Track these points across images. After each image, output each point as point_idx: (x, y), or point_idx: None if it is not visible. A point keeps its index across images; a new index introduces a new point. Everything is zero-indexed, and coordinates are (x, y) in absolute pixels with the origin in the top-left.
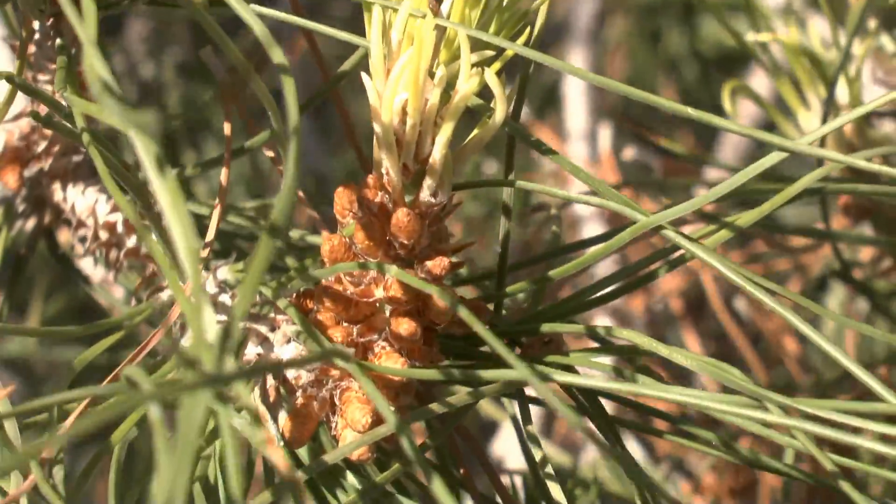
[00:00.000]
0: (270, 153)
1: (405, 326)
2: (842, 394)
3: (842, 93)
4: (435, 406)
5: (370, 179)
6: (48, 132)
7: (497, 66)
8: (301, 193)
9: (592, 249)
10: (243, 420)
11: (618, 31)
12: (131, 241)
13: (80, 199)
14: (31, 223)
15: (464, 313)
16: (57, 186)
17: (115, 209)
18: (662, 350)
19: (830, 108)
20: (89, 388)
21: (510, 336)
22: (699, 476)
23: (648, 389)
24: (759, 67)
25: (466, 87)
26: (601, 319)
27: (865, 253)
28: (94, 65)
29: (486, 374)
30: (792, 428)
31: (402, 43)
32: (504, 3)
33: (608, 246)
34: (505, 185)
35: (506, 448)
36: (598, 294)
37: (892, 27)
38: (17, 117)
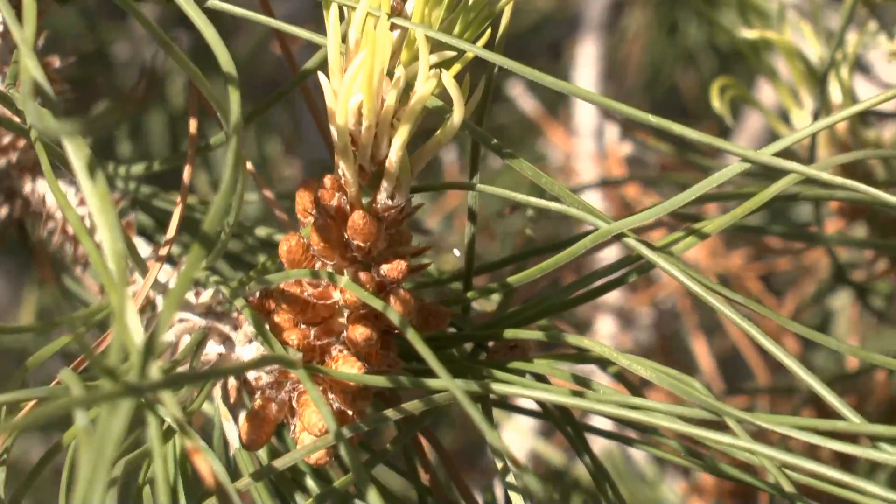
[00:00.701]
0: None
1: (360, 332)
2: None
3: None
4: (390, 412)
5: (327, 180)
6: None
7: (457, 67)
8: (269, 193)
9: (559, 255)
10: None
11: (636, 22)
12: (98, 237)
13: (48, 192)
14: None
15: (411, 334)
16: (27, 178)
17: (81, 203)
18: (622, 360)
19: (822, 107)
20: (30, 391)
21: (476, 340)
22: (698, 476)
23: (587, 402)
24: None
25: (423, 88)
26: (604, 319)
27: (870, 253)
28: (27, 66)
29: (430, 382)
30: (736, 448)
31: (360, 42)
32: (469, 3)
33: (570, 252)
34: (465, 188)
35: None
36: (567, 298)
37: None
38: None
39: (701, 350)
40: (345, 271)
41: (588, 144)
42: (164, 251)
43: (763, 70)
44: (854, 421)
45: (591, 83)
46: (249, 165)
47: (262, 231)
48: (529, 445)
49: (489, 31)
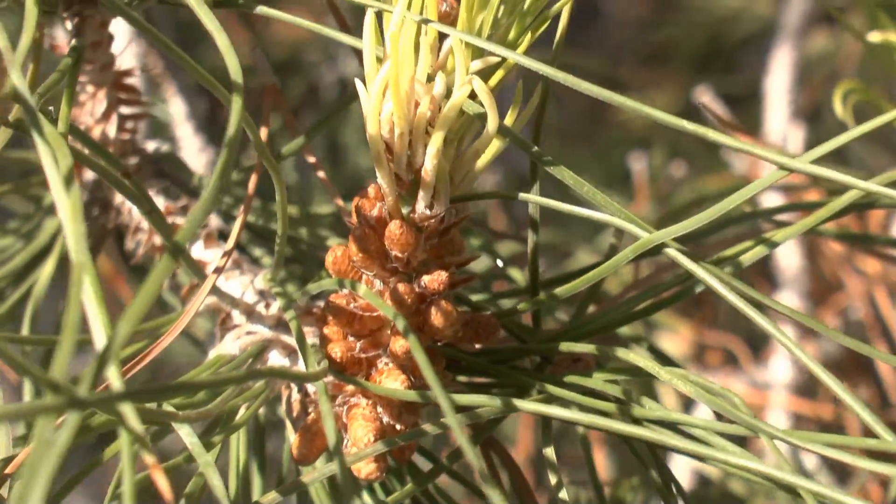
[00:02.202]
0: (312, 158)
1: (400, 344)
2: None
3: None
4: (428, 427)
5: (370, 190)
6: (98, 135)
7: (500, 74)
8: (340, 202)
9: (601, 266)
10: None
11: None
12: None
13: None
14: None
15: (418, 356)
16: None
17: (168, 213)
18: (664, 375)
19: None
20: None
21: (535, 353)
22: None
23: (616, 423)
24: None
25: (457, 94)
26: (784, 328)
27: None
28: (14, 81)
29: (459, 397)
30: (760, 474)
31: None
32: (525, 7)
33: (612, 263)
34: (507, 197)
35: None
36: (635, 309)
37: None
38: None
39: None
40: (385, 282)
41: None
42: (222, 261)
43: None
44: (887, 439)
45: (784, 90)
46: (322, 174)
47: (333, 241)
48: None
49: (527, 35)
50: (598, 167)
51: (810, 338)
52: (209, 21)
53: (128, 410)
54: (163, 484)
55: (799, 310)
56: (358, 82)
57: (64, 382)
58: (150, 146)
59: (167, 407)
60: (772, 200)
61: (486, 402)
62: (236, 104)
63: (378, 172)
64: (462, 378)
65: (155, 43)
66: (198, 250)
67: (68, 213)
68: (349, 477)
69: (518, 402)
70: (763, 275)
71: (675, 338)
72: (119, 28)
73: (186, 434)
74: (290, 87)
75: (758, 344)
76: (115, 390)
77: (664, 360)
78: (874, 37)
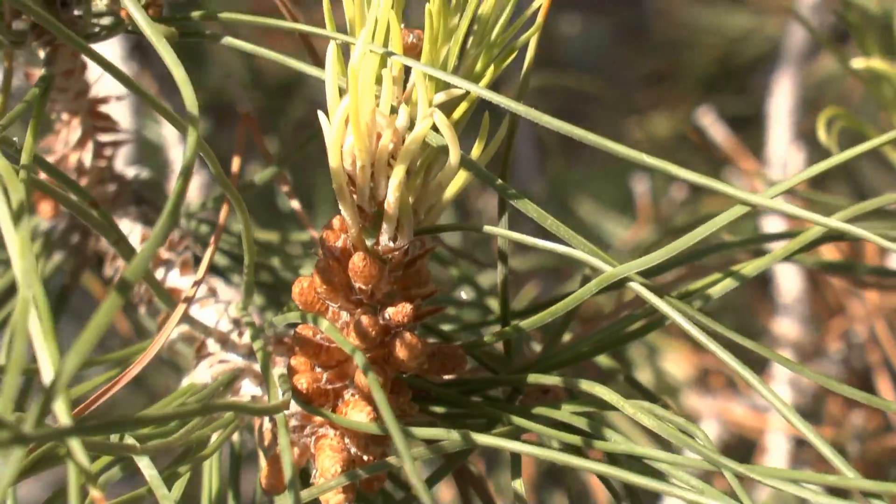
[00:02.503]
0: (285, 187)
1: (363, 377)
2: None
3: None
4: (392, 460)
5: (335, 221)
6: (74, 163)
7: (464, 107)
8: (315, 233)
9: (567, 299)
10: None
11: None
12: (159, 275)
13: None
14: (74, 253)
15: (375, 392)
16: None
17: (144, 240)
18: (628, 409)
19: None
20: None
21: (505, 385)
22: None
23: (568, 457)
24: None
25: (418, 127)
26: (783, 352)
27: None
28: None
29: (418, 431)
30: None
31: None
32: (492, 39)
33: (577, 296)
34: (472, 229)
35: None
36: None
37: None
38: None
39: (884, 385)
40: (350, 313)
41: (777, 174)
42: (192, 291)
43: (881, 100)
44: (847, 475)
45: (786, 113)
46: (296, 205)
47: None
48: None
49: (490, 69)
50: (610, 188)
51: (813, 361)
52: (166, 55)
53: (75, 445)
54: None
55: (798, 334)
56: (321, 114)
57: (6, 418)
58: (130, 172)
59: (129, 439)
60: (775, 226)
61: (444, 436)
62: (191, 136)
63: (340, 204)
64: (437, 409)
65: (148, 65)
66: (174, 278)
67: (17, 248)
68: None
69: (476, 437)
70: (764, 299)
71: (679, 360)
72: (107, 53)
73: (146, 466)
74: (291, 108)
75: (758, 368)
76: (62, 425)
77: (639, 390)
78: (858, 63)
